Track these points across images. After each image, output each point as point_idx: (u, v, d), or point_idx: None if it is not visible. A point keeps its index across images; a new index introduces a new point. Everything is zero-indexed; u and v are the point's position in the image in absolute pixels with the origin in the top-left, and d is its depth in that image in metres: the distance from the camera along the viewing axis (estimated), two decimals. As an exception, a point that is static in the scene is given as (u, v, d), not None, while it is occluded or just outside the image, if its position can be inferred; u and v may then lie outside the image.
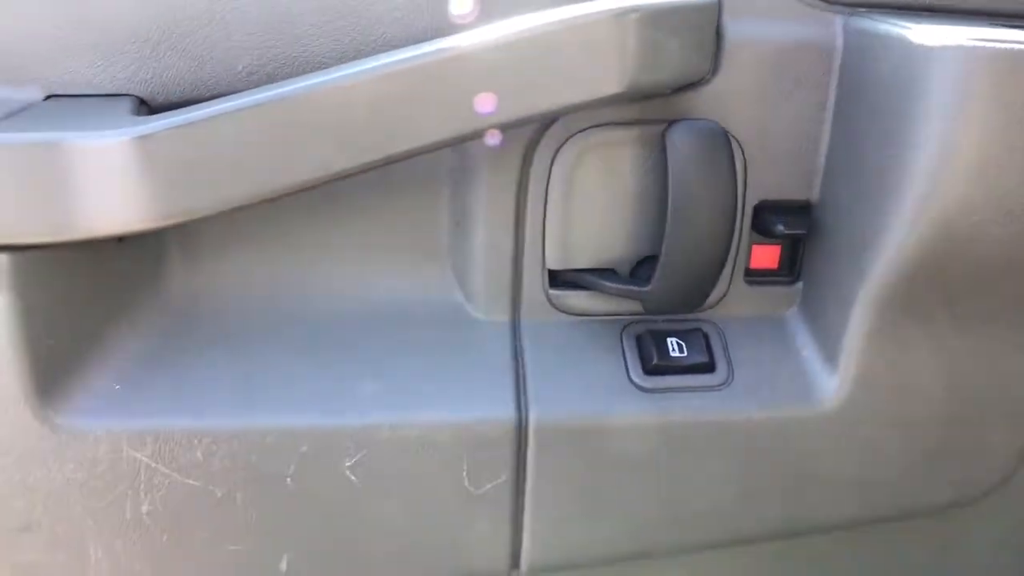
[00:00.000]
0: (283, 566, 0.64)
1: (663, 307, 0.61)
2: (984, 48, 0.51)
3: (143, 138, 0.50)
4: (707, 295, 0.62)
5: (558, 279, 0.65)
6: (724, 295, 0.67)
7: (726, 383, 0.64)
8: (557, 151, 0.61)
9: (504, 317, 0.65)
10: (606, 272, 0.65)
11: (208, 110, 0.51)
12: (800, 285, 0.68)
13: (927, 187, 0.54)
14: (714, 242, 0.58)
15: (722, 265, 0.60)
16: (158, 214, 0.52)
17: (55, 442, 0.57)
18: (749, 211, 0.65)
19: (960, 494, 0.70)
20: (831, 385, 0.64)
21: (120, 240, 0.59)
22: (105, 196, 0.51)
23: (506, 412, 0.61)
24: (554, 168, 0.61)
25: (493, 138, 0.59)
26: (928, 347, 0.64)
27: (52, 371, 0.56)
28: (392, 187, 0.63)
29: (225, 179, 0.52)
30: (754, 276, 0.68)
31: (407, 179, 0.63)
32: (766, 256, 0.68)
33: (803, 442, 0.65)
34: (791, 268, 0.68)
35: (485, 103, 0.53)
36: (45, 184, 0.50)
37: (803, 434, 0.64)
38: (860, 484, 0.67)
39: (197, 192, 0.52)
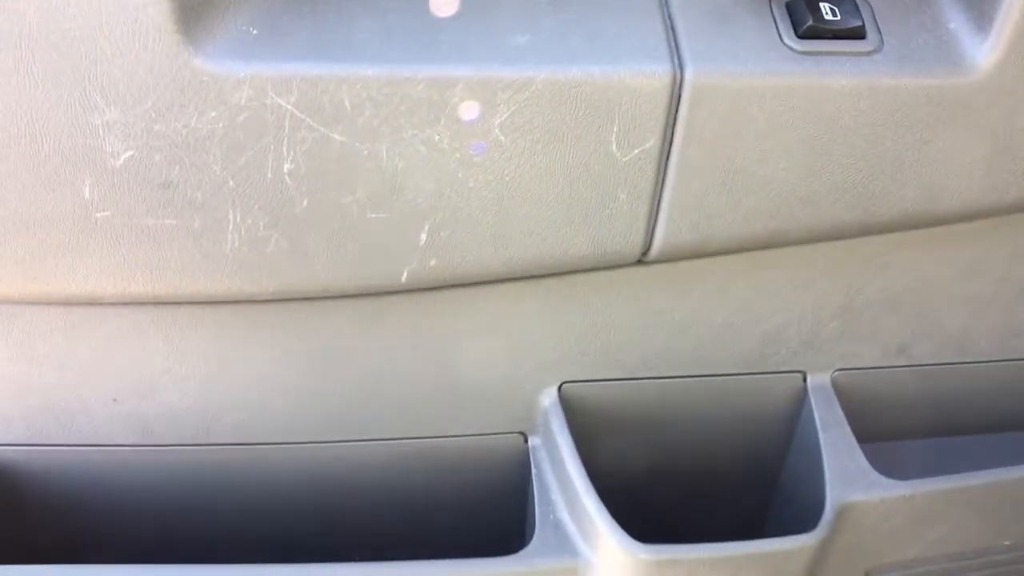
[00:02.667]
0: (423, 237, 0.62)
1: None
2: None
3: None
4: None
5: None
6: None
7: (877, 50, 0.62)
8: None
9: None
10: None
11: None
12: (949, -44, 0.65)
13: None
14: None
15: None
16: None
17: (197, 86, 0.53)
18: None
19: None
20: (980, 53, 0.63)
21: None
22: None
23: (663, 67, 0.58)
24: None
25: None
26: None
27: (190, 7, 0.52)
28: None
29: None
30: (902, -54, 0.64)
31: None
32: (915, -74, 0.65)
33: (947, 111, 0.63)
34: (940, -61, 0.65)
35: None
36: None
37: (948, 103, 0.63)
38: (992, 164, 0.67)
39: None
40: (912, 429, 0.91)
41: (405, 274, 0.64)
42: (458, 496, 0.84)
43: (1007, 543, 0.89)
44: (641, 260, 0.69)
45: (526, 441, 0.82)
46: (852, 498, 0.77)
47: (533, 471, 0.81)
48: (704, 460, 0.87)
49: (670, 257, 0.68)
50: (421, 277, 0.65)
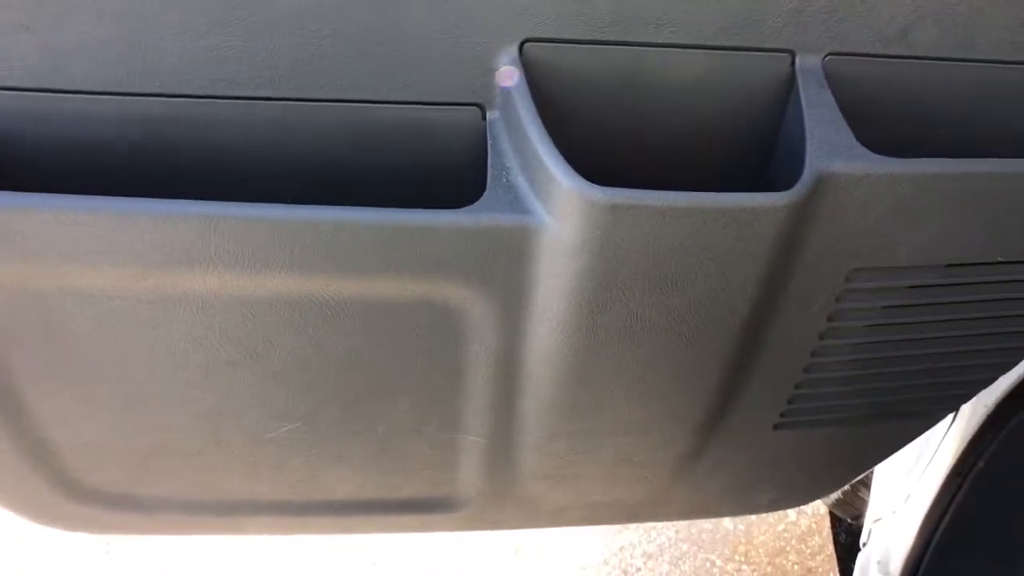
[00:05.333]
0: None
1: None
2: None
3: None
4: None
5: None
6: None
7: None
8: None
9: None
10: None
11: None
12: None
13: None
14: None
15: None
16: None
17: None
18: None
19: None
20: None
21: None
22: None
23: None
24: None
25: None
26: None
27: None
28: None
29: None
30: None
31: None
32: None
33: None
34: None
35: None
36: None
37: None
38: None
39: None
40: (909, 138, 0.84)
41: None
42: (410, 171, 0.78)
43: (1001, 258, 0.82)
44: None
45: (484, 117, 0.76)
46: (834, 168, 0.70)
47: (489, 143, 0.74)
48: (684, 145, 0.80)
49: None
50: None
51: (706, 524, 2.33)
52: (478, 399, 0.85)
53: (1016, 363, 1.00)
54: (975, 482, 1.22)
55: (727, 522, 2.32)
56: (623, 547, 2.23)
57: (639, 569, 2.20)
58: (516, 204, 0.70)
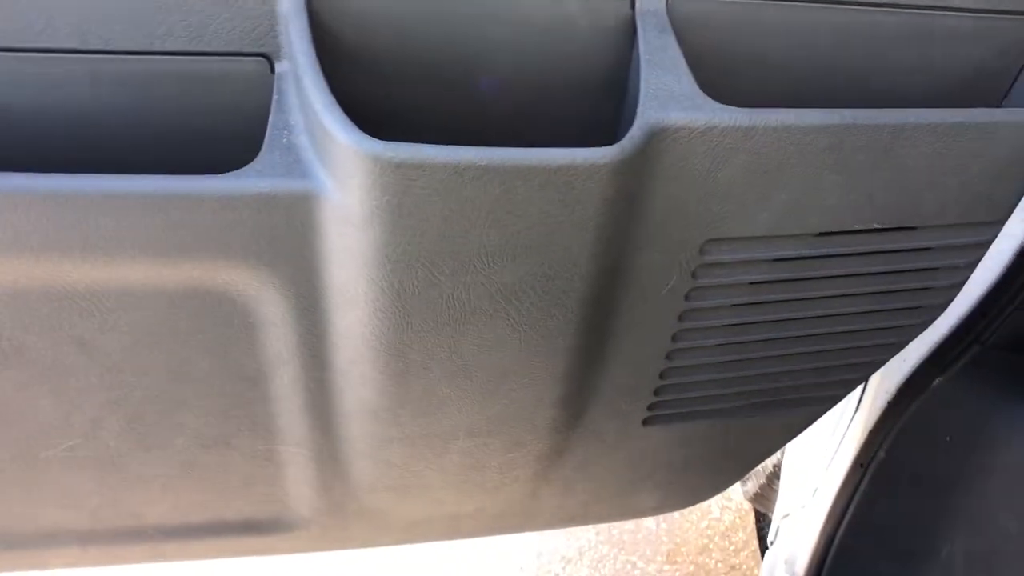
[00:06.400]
0: None
1: None
2: None
3: None
4: None
5: None
6: None
7: None
8: None
9: None
10: None
11: None
12: None
13: None
14: None
15: None
16: None
17: None
18: None
19: None
20: None
21: None
22: None
23: None
24: None
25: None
26: None
27: None
28: None
29: None
30: None
31: None
32: None
33: None
34: None
35: None
36: None
37: None
38: None
39: None
40: (768, 90, 0.74)
41: None
42: (191, 134, 0.66)
43: (877, 225, 0.73)
44: None
45: (273, 71, 0.64)
46: (670, 119, 0.60)
47: (274, 98, 0.63)
48: (516, 102, 0.68)
49: None
50: None
51: (627, 525, 2.24)
52: (287, 403, 0.73)
53: (906, 343, 0.92)
54: (877, 473, 1.15)
55: (649, 522, 2.24)
56: (541, 553, 2.13)
57: (558, 575, 2.10)
58: (294, 168, 0.58)
